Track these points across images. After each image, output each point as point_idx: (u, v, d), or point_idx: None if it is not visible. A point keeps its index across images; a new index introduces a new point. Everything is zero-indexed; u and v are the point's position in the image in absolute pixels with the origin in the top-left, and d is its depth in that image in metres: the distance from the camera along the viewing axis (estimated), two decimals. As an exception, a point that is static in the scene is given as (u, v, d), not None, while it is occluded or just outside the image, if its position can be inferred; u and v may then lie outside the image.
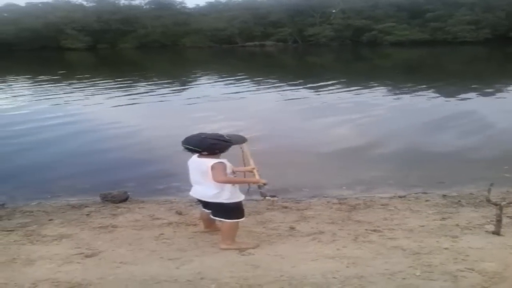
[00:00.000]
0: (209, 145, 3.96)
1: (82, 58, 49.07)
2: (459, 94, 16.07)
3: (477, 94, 16.14)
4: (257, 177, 4.23)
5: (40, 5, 69.74)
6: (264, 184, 4.13)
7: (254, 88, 19.27)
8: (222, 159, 4.04)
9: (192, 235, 4.54)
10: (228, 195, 4.05)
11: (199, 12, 69.87)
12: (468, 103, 14.60)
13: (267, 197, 4.26)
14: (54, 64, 39.99)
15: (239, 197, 4.15)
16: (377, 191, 6.60)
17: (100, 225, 4.97)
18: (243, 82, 21.54)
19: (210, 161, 3.94)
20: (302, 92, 17.76)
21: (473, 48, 45.20)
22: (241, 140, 4.28)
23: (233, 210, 4.12)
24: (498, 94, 16.36)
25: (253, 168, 4.32)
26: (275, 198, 4.97)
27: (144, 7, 71.35)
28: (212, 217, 4.24)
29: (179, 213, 5.39)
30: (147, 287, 3.36)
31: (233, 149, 4.23)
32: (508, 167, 7.53)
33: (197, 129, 9.39)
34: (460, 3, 54.64)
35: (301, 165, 8.12)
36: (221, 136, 4.07)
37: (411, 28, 57.00)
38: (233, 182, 4.09)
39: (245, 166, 4.40)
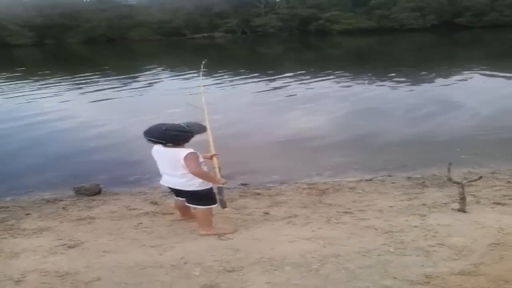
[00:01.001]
0: (172, 137, 3.98)
1: (32, 54, 47.64)
2: (412, 81, 16.48)
3: (429, 80, 16.58)
4: (215, 165, 4.31)
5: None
6: (223, 184, 4.23)
7: (210, 81, 19.17)
8: (190, 148, 4.07)
9: (170, 223, 4.60)
10: (199, 182, 4.10)
11: (141, 5, 68.61)
12: (421, 89, 14.99)
13: (226, 208, 4.35)
14: (4, 61, 38.66)
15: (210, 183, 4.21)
16: (344, 176, 6.78)
17: (78, 217, 4.97)
18: (197, 75, 21.40)
19: (182, 151, 3.98)
20: (260, 84, 17.78)
21: (420, 35, 46.04)
22: (201, 129, 4.25)
23: (205, 197, 4.18)
24: (449, 80, 16.82)
25: (213, 155, 4.39)
26: (233, 211, 4.96)
27: (85, 1, 69.65)
28: (187, 204, 4.30)
29: (154, 203, 5.43)
30: (133, 273, 3.41)
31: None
32: (460, 149, 7.86)
33: (158, 121, 9.46)
34: None
35: (268, 153, 8.25)
36: (181, 126, 4.06)
37: (357, 16, 57.44)
38: (203, 176, 4.10)
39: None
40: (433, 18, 53.19)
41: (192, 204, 4.26)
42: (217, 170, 4.29)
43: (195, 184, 4.08)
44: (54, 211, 5.37)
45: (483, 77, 17.21)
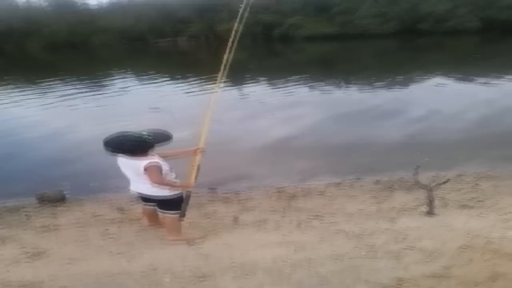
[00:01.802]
0: (128, 148, 3.84)
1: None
2: (376, 85, 16.64)
3: (392, 85, 16.75)
4: (195, 163, 4.20)
5: None
6: (192, 188, 4.13)
7: (175, 86, 18.99)
8: (154, 156, 3.93)
9: (138, 230, 4.49)
10: (169, 188, 4.01)
11: (104, 10, 67.96)
12: (385, 93, 15.11)
13: (182, 219, 4.24)
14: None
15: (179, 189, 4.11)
16: (313, 180, 6.75)
17: (41, 225, 4.81)
18: (162, 80, 21.18)
19: (142, 162, 3.84)
20: (225, 90, 17.69)
21: (384, 40, 46.62)
22: (164, 137, 4.03)
23: (175, 203, 4.09)
24: (413, 84, 17.07)
25: (197, 149, 4.28)
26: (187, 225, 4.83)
27: (44, 5, 68.50)
28: (157, 210, 4.20)
29: (121, 210, 5.29)
30: (101, 282, 3.31)
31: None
32: (424, 152, 7.94)
33: (122, 126, 9.28)
34: None
35: (236, 159, 8.17)
36: (139, 136, 3.87)
37: (320, 22, 58.13)
38: (166, 185, 3.98)
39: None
40: (396, 24, 54.14)
41: (162, 210, 4.15)
42: (195, 169, 4.15)
43: (164, 191, 3.98)
44: (17, 220, 5.19)
45: (446, 81, 17.49)
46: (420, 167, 5.38)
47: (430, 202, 4.75)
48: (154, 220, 4.47)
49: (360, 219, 4.62)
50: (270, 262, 3.56)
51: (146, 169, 3.81)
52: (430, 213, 4.66)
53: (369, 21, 53.95)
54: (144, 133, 3.91)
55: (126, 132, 3.93)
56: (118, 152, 3.89)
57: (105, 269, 3.49)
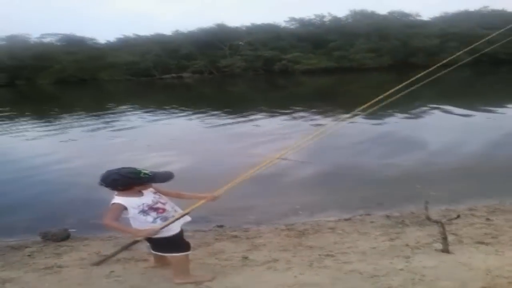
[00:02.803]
0: (111, 181, 3.72)
1: (2, 95, 46.85)
2: (375, 117, 16.53)
3: (397, 117, 16.68)
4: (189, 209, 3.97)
5: None
6: (139, 238, 3.90)
7: (181, 120, 19.14)
8: (128, 197, 3.76)
9: (144, 271, 4.33)
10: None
11: (111, 47, 69.49)
12: (387, 125, 15.11)
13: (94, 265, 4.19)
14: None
15: (173, 229, 3.88)
16: (322, 215, 6.64)
17: (44, 266, 4.65)
18: (169, 114, 21.31)
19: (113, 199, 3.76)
20: (228, 121, 17.75)
21: (379, 73, 47.48)
22: (165, 177, 3.87)
23: (174, 243, 3.91)
24: (412, 116, 17.03)
25: (211, 197, 4.10)
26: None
27: (56, 44, 69.86)
28: (154, 252, 4.08)
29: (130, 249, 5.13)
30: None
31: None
32: (420, 186, 7.88)
33: (127, 161, 9.22)
34: (357, 34, 58.42)
35: (242, 192, 8.00)
36: (130, 172, 3.75)
37: (317, 57, 59.74)
38: (112, 228, 3.81)
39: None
40: (388, 58, 55.85)
41: (161, 252, 4.02)
42: (177, 216, 3.89)
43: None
44: (19, 259, 5.04)
45: (443, 113, 17.51)
46: (429, 201, 5.25)
47: (444, 239, 4.61)
48: (160, 260, 4.32)
49: (374, 258, 4.47)
50: (283, 306, 3.42)
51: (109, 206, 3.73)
52: (445, 250, 4.52)
53: (363, 56, 56.05)
54: (143, 170, 3.81)
55: (124, 167, 3.83)
56: (103, 185, 3.77)
57: (111, 316, 3.35)
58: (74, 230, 6.22)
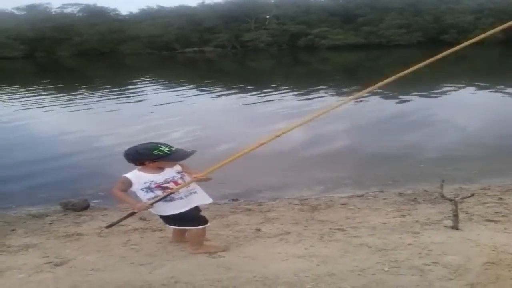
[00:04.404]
0: (125, 155, 3.90)
1: (23, 67, 47.37)
2: (400, 95, 16.48)
3: (416, 95, 16.59)
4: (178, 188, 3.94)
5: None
6: (137, 210, 3.95)
7: (202, 95, 19.28)
8: (143, 172, 3.89)
9: (160, 241, 4.49)
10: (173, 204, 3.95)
11: (133, 19, 68.79)
12: (408, 104, 15.04)
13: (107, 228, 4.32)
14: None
15: (178, 208, 3.95)
16: (336, 191, 6.74)
17: (65, 234, 4.86)
18: (189, 89, 21.46)
19: None
20: (250, 98, 17.82)
21: (407, 50, 46.47)
22: (182, 155, 3.93)
23: (190, 218, 4.01)
24: (436, 95, 16.94)
25: (194, 175, 4.01)
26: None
27: (77, 14, 69.64)
28: (169, 226, 4.24)
29: (143, 219, 5.30)
30: (123, 293, 3.33)
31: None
32: (423, 165, 7.95)
33: (149, 136, 9.40)
34: (389, 8, 56.48)
35: (258, 168, 8.14)
36: (145, 147, 3.86)
37: (345, 32, 58.24)
38: (116, 197, 3.99)
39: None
40: (419, 35, 54.18)
41: (175, 226, 4.17)
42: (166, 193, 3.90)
43: (164, 208, 3.95)
44: (41, 227, 5.25)
45: (469, 93, 17.38)
46: (444, 180, 5.30)
47: (455, 217, 4.67)
48: (178, 234, 4.42)
49: (383, 233, 4.56)
50: (292, 276, 3.54)
51: None
52: (454, 227, 4.58)
53: (393, 32, 54.15)
54: (162, 146, 3.88)
55: (145, 143, 3.96)
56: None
57: (126, 280, 3.50)
58: (94, 201, 6.43)
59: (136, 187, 3.89)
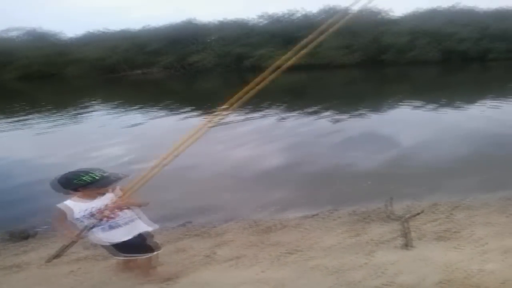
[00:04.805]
0: (54, 184, 3.72)
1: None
2: (344, 114, 16.70)
3: (366, 113, 16.85)
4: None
5: None
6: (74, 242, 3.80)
7: (150, 116, 18.97)
8: (76, 201, 3.73)
9: (105, 271, 4.32)
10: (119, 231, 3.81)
11: (78, 42, 68.10)
12: (354, 122, 15.15)
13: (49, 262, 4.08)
14: None
15: (110, 238, 3.82)
16: (289, 212, 6.70)
17: (9, 264, 4.61)
18: (135, 110, 21.06)
19: None
20: (197, 118, 17.65)
21: (350, 70, 47.78)
22: (109, 181, 3.77)
23: (134, 247, 3.86)
24: (382, 112, 17.25)
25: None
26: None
27: (21, 37, 68.44)
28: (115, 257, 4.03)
29: (87, 248, 5.07)
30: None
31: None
32: (371, 182, 8.02)
33: (94, 158, 9.14)
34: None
35: (210, 189, 8.07)
36: (69, 176, 3.72)
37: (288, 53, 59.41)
38: (55, 228, 3.91)
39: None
40: (360, 55, 56.06)
41: (123, 255, 3.94)
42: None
43: (109, 235, 3.79)
44: (-17, 258, 4.98)
45: (412, 110, 17.74)
46: (394, 197, 5.37)
47: (406, 235, 4.73)
48: (124, 265, 4.24)
49: (338, 254, 4.56)
50: (248, 302, 3.47)
51: None
52: (407, 245, 4.63)
53: (334, 53, 55.95)
54: (91, 171, 3.74)
55: (72, 171, 3.78)
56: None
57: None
58: (43, 227, 6.15)
59: (76, 216, 3.71)
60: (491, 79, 33.19)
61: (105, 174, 3.77)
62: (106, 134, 14.51)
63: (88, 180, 3.69)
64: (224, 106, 3.70)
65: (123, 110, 21.16)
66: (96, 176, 3.72)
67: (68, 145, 12.55)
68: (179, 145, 3.79)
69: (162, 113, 19.62)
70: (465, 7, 59.00)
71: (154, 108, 21.27)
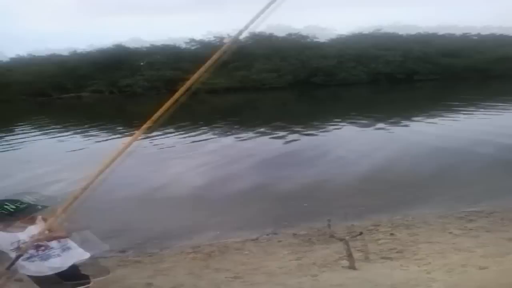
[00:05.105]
0: None
1: None
2: (279, 134, 16.69)
3: (298, 134, 16.87)
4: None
5: None
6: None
7: (80, 139, 18.32)
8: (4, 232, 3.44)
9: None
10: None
11: (4, 67, 66.13)
12: (288, 142, 15.12)
13: None
14: None
15: (44, 270, 3.52)
16: (229, 236, 6.50)
17: None
18: (67, 134, 20.30)
19: None
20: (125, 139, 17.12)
21: (281, 92, 48.98)
22: (30, 210, 3.49)
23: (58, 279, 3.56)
24: (316, 132, 17.32)
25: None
26: None
27: None
28: None
29: (20, 280, 4.63)
30: None
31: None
32: (307, 204, 7.98)
33: (25, 185, 8.61)
34: (256, 54, 59.58)
35: (145, 213, 7.76)
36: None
37: (220, 77, 60.19)
38: None
39: None
40: (290, 78, 57.50)
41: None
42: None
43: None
44: None
45: (348, 128, 18.07)
46: (332, 219, 5.31)
47: (350, 256, 4.64)
48: None
49: (281, 278, 4.40)
50: (189, 336, 3.24)
51: None
52: (351, 267, 4.54)
53: (265, 76, 57.34)
54: (18, 200, 3.48)
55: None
56: None
57: None
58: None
59: (4, 248, 3.39)
60: (421, 98, 34.75)
61: (27, 204, 3.47)
62: (42, 162, 13.77)
63: (11, 209, 3.39)
64: (146, 125, 3.46)
65: (57, 135, 20.32)
66: (20, 206, 3.44)
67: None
68: (103, 167, 3.48)
69: (95, 137, 18.99)
70: (388, 32, 62.29)
71: (87, 131, 20.60)
